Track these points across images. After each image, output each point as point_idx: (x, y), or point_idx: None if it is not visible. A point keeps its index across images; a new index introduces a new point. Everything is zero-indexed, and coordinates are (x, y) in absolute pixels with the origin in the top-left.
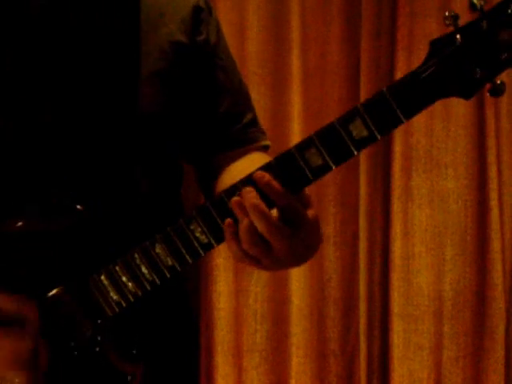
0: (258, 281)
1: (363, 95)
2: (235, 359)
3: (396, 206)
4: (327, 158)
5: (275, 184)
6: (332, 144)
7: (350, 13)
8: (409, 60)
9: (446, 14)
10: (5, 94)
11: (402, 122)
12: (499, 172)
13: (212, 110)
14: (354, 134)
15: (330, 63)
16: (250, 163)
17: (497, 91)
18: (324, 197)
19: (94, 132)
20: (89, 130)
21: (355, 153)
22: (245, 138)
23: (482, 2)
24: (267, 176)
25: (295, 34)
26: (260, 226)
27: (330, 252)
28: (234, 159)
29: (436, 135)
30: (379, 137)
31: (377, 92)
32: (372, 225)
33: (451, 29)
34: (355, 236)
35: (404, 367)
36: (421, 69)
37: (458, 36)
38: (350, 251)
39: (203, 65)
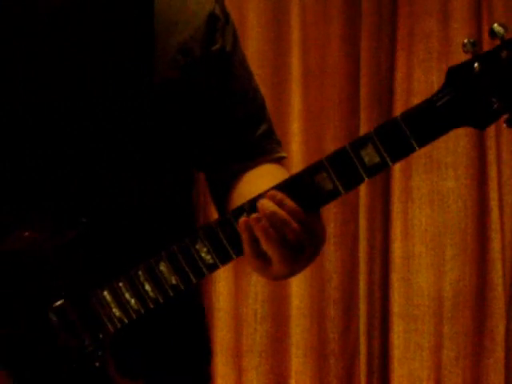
0: (258, 281)
1: (363, 95)
2: (235, 359)
3: (396, 206)
4: (337, 183)
5: (289, 202)
6: (343, 169)
7: (350, 12)
8: (409, 60)
9: (465, 41)
10: (11, 101)
11: (415, 150)
12: (499, 172)
13: (224, 119)
14: (366, 160)
15: (330, 63)
16: (263, 175)
17: None
18: None
19: (102, 141)
20: (97, 138)
21: (366, 179)
22: (258, 149)
23: (503, 31)
24: (279, 194)
25: (295, 34)
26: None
27: (330, 252)
28: (247, 170)
29: None
30: (391, 164)
31: (390, 118)
32: (372, 225)
33: (469, 56)
34: (355, 236)
35: (404, 367)
36: (436, 97)
37: (475, 64)
38: (349, 251)
39: (216, 74)
